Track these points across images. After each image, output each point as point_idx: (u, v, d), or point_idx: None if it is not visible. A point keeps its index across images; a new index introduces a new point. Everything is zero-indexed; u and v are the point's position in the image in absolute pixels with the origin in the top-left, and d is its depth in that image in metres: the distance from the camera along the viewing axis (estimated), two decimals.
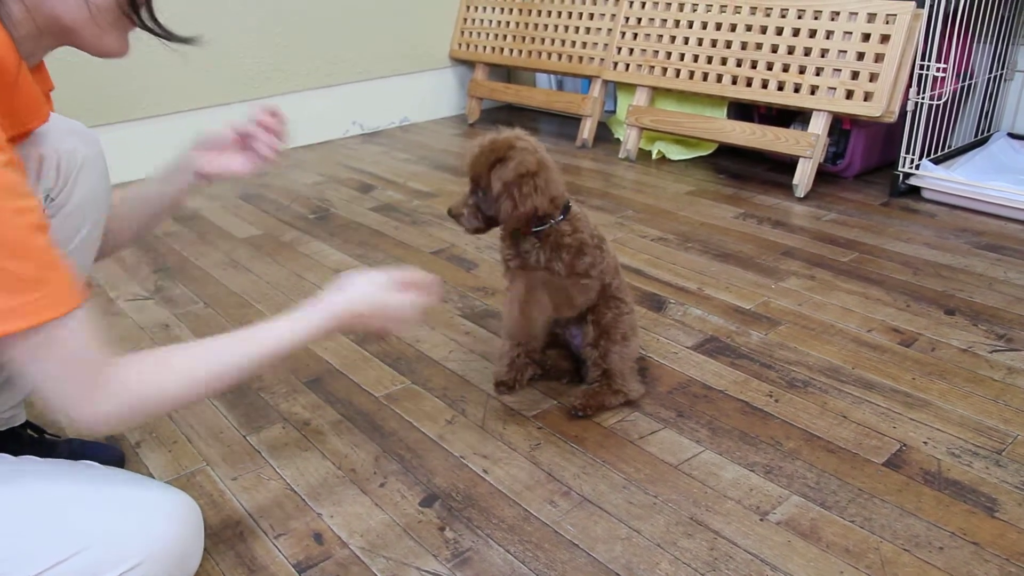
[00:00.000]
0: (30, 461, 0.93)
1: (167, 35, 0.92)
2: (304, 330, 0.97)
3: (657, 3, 2.86)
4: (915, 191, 2.42)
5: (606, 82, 3.06)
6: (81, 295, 0.79)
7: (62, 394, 0.81)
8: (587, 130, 3.10)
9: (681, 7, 2.79)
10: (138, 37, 0.94)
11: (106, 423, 0.85)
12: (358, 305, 1.01)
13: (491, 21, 3.45)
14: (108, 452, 1.30)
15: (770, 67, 2.54)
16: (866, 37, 2.34)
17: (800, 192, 2.45)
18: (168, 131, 2.88)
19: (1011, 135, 2.70)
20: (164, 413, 0.89)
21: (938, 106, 2.32)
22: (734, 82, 2.62)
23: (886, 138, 2.59)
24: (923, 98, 2.29)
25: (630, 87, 2.98)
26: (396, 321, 1.05)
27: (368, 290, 1.02)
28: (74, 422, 0.83)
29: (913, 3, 2.26)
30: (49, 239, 0.77)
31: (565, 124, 3.45)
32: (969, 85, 2.52)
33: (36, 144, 1.01)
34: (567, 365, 1.49)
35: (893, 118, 2.30)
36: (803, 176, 2.45)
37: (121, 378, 0.84)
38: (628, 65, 2.95)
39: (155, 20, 0.91)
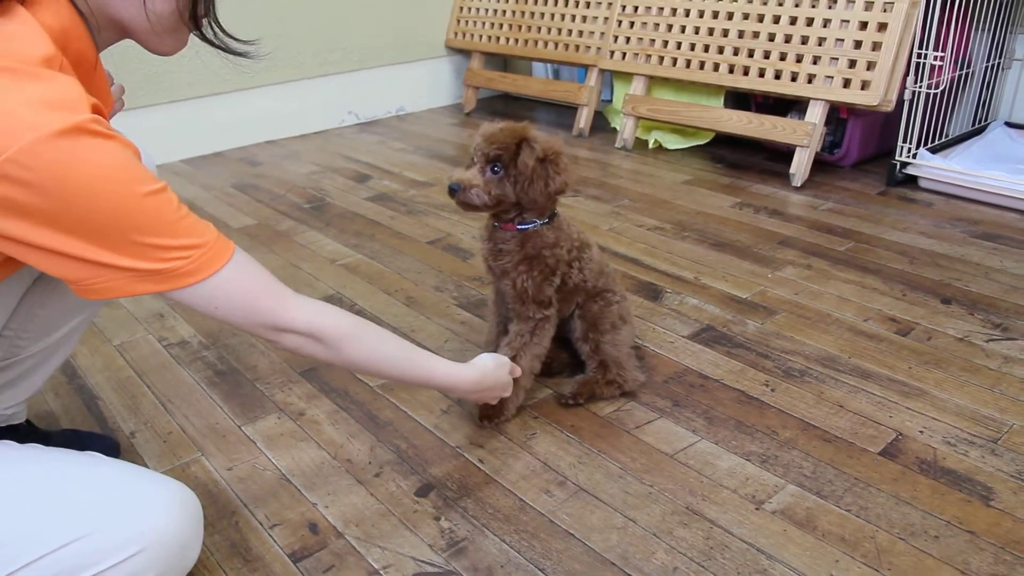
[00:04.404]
0: (35, 448, 0.93)
1: (225, 47, 0.97)
2: (455, 380, 1.14)
3: None
4: (912, 180, 2.42)
5: (603, 71, 3.05)
6: (231, 243, 0.89)
7: (250, 316, 0.91)
8: (583, 119, 3.09)
9: None
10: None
11: (287, 337, 0.94)
12: (489, 380, 1.20)
13: (487, 10, 3.44)
14: (103, 442, 1.30)
15: (767, 56, 2.53)
16: (863, 25, 2.33)
17: (797, 181, 2.45)
18: (162, 121, 2.86)
19: (1008, 124, 2.69)
20: (331, 358, 0.98)
21: (935, 95, 2.31)
22: (731, 71, 2.61)
23: (883, 127, 2.58)
24: (920, 87, 2.29)
25: (627, 76, 2.97)
26: (500, 394, 1.26)
27: (496, 371, 1.21)
28: (265, 334, 0.93)
29: None
30: (184, 207, 0.85)
31: (561, 113, 3.44)
32: (967, 74, 2.52)
33: None
34: (566, 357, 1.49)
35: (890, 107, 2.30)
36: (800, 165, 2.45)
37: (303, 305, 0.95)
38: (625, 54, 2.93)
39: (216, 31, 0.96)
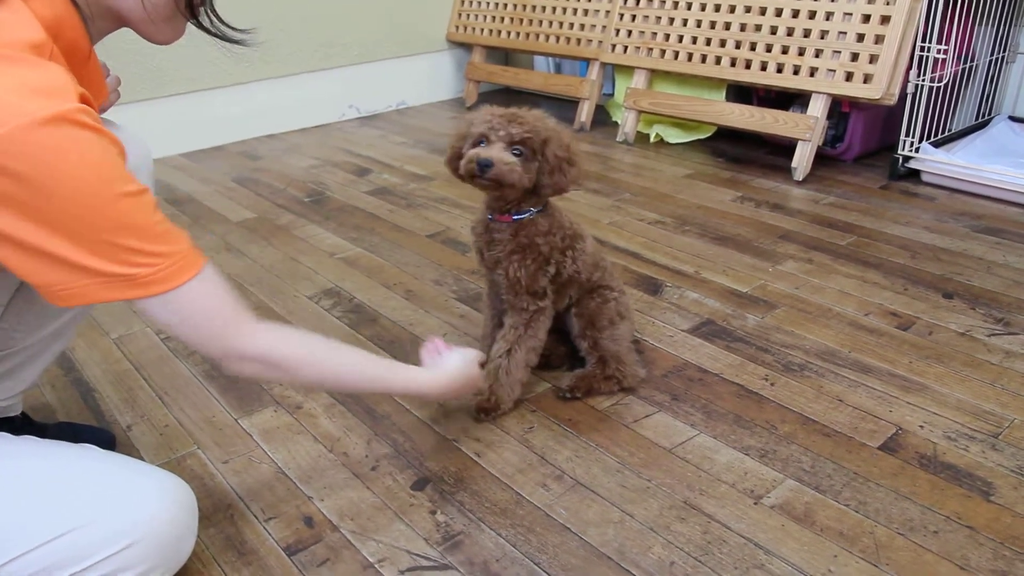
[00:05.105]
0: (30, 440, 0.93)
1: (222, 35, 0.96)
2: (425, 389, 1.13)
3: None
4: (915, 174, 2.41)
5: (604, 65, 3.04)
6: (202, 256, 0.87)
7: (209, 336, 0.89)
8: (585, 113, 3.08)
9: None
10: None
11: (245, 364, 0.92)
12: (459, 381, 1.17)
13: (488, 3, 3.42)
14: (99, 435, 1.30)
15: (769, 49, 2.51)
16: (866, 18, 2.31)
17: (799, 175, 2.43)
18: (163, 114, 2.86)
19: (1012, 118, 2.67)
20: (288, 382, 0.97)
21: (938, 88, 2.30)
22: (733, 64, 2.60)
23: (886, 121, 2.57)
24: (923, 80, 2.27)
25: (628, 70, 2.96)
26: (474, 388, 1.24)
27: (465, 369, 1.18)
28: (222, 359, 0.91)
29: None
30: (160, 213, 0.84)
31: (563, 107, 3.42)
32: (970, 67, 2.50)
33: None
34: (564, 351, 1.48)
35: (893, 100, 2.28)
36: (802, 159, 2.43)
37: (261, 332, 0.92)
38: (626, 48, 2.92)
39: (213, 20, 0.95)
